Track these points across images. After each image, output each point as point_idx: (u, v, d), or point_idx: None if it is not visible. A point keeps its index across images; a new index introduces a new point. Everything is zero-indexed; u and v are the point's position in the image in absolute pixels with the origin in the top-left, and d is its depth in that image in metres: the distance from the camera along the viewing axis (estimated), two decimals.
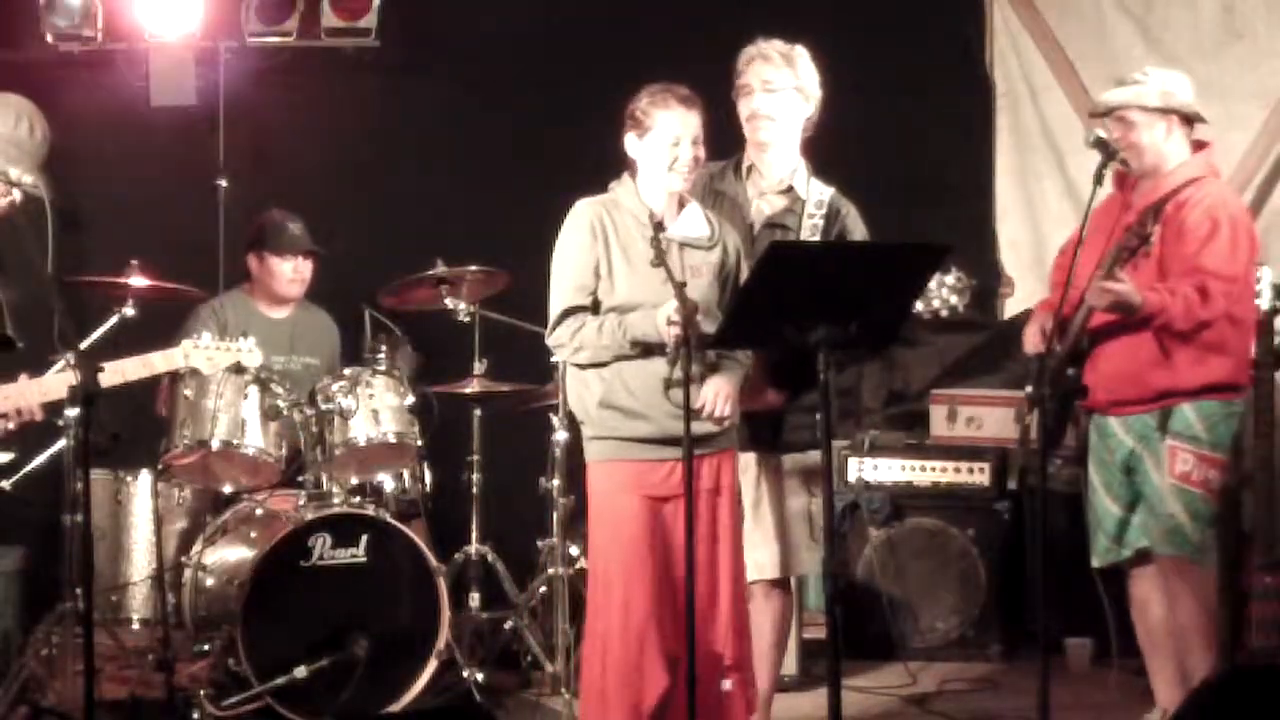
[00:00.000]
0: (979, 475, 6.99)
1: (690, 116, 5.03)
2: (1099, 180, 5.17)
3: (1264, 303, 5.57)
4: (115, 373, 5.36)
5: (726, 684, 5.03)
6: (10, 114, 5.17)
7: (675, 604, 4.94)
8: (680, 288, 4.88)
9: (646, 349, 4.97)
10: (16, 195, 5.08)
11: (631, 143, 5.10)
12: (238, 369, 5.90)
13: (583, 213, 5.09)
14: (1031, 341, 5.52)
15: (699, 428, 4.93)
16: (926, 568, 6.97)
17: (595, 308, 5.04)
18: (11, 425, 5.27)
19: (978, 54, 7.74)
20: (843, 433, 7.13)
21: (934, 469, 7.06)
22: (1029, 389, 5.13)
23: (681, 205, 5.13)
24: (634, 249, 5.04)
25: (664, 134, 5.02)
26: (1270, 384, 5.69)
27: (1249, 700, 4.41)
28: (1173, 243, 5.36)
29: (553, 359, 5.23)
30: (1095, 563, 5.63)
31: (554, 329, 5.06)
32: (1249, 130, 7.14)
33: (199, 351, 5.73)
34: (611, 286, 5.03)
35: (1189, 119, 5.48)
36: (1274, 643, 5.57)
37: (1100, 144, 5.24)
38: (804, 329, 4.75)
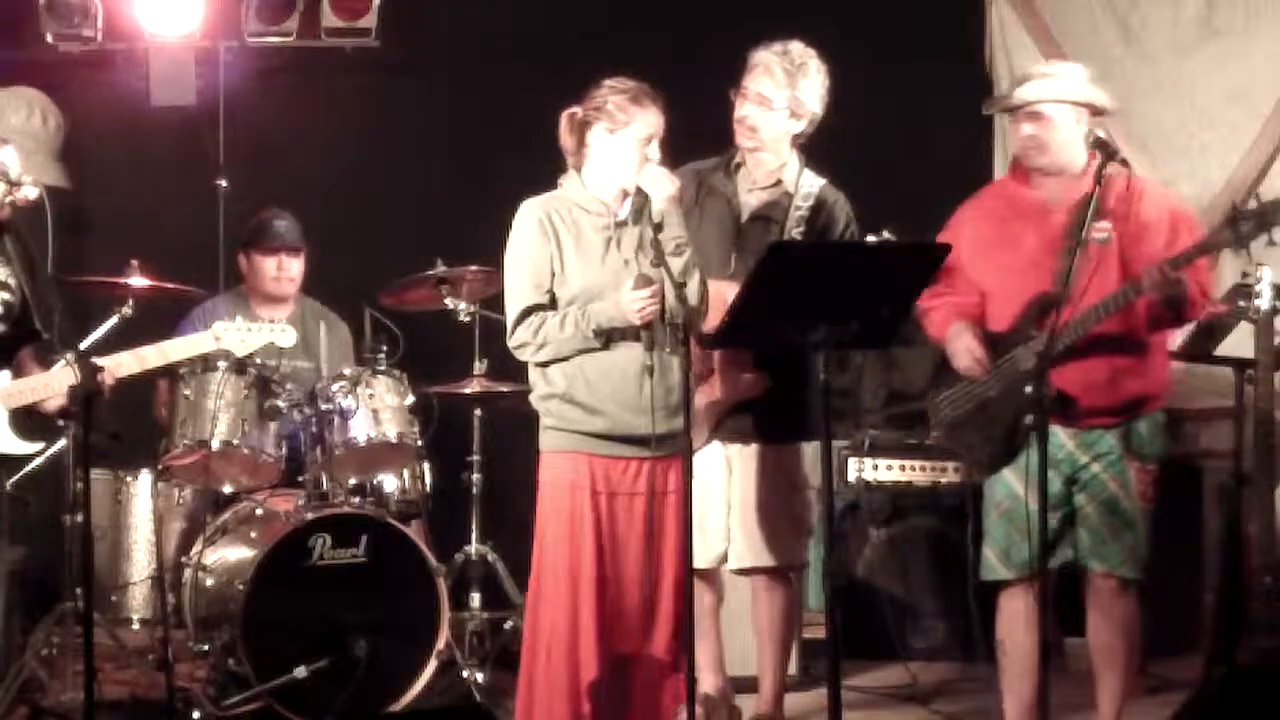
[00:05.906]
0: (979, 475, 6.97)
1: (660, 118, 5.03)
2: (1099, 181, 5.14)
3: (1264, 303, 5.55)
4: (136, 359, 5.31)
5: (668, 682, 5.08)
6: (22, 106, 5.17)
7: (620, 603, 5.00)
8: (680, 288, 4.88)
9: (610, 337, 4.97)
10: (18, 195, 5.08)
11: (598, 135, 5.06)
12: (245, 362, 5.87)
13: (530, 211, 5.09)
14: (969, 362, 5.37)
15: (662, 427, 4.97)
16: (926, 568, 6.96)
17: (553, 304, 5.04)
18: (61, 419, 5.20)
19: (978, 53, 7.74)
20: (842, 433, 7.12)
21: (934, 469, 7.05)
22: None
23: (625, 195, 5.11)
24: (586, 241, 5.05)
25: (637, 133, 5.02)
26: (1270, 384, 5.69)
27: (1249, 700, 4.42)
28: (1133, 240, 5.19)
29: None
30: (1003, 574, 5.42)
31: (514, 329, 5.04)
32: (1221, 130, 7.13)
33: (231, 333, 5.62)
34: (566, 280, 5.03)
35: (1097, 112, 5.30)
36: (1274, 643, 5.57)
37: (1100, 144, 5.17)
38: (804, 329, 4.76)
